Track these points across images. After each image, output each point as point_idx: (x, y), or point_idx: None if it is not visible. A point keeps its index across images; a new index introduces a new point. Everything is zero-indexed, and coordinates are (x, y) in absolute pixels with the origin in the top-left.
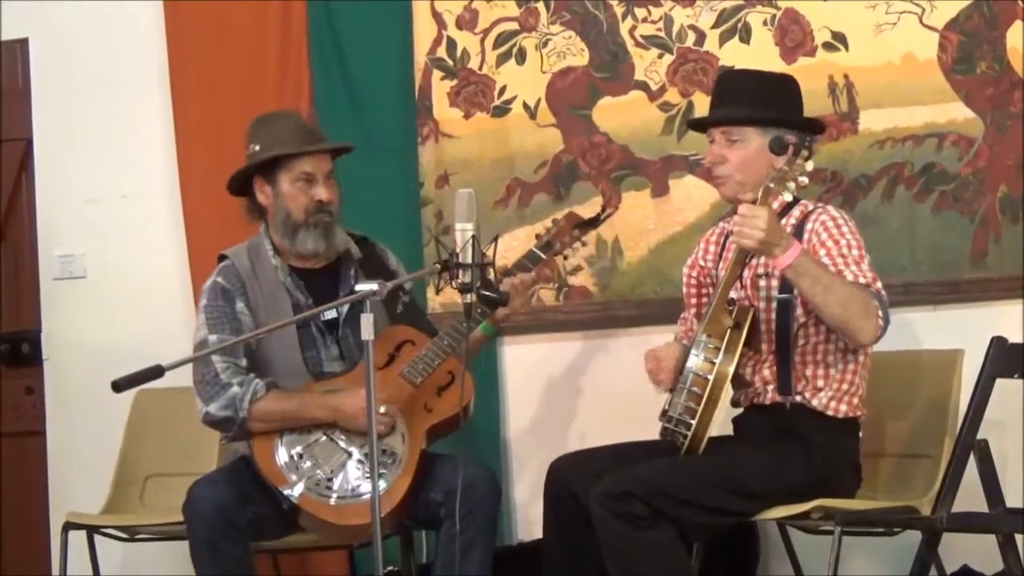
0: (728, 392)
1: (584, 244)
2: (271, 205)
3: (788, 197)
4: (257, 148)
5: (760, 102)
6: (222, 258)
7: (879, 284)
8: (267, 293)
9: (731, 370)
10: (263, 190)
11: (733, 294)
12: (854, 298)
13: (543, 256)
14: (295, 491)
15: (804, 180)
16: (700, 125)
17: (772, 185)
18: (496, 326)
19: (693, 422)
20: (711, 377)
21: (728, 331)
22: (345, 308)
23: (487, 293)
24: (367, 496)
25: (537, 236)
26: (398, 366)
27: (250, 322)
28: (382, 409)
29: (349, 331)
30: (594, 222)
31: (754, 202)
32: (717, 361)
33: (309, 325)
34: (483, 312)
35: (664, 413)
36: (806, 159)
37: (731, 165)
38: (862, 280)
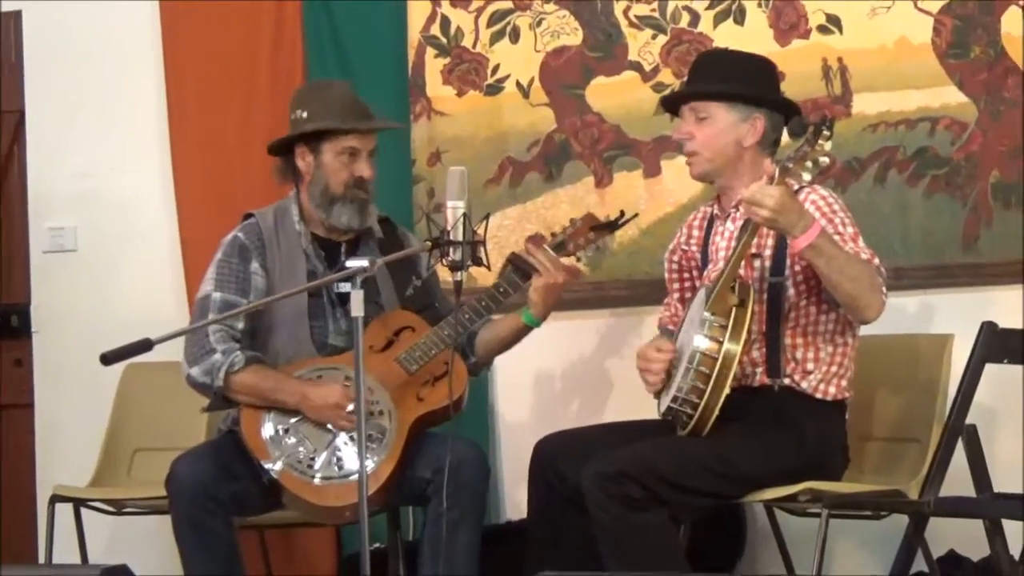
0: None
1: (599, 248)
2: (309, 174)
3: (807, 178)
4: (305, 115)
5: (728, 80)
6: (248, 216)
7: (877, 259)
8: (285, 256)
9: (739, 348)
10: (304, 157)
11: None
12: (863, 275)
13: (555, 256)
14: (276, 466)
15: (825, 161)
16: (671, 104)
17: (791, 165)
18: (539, 314)
19: (700, 402)
20: (719, 356)
21: (733, 309)
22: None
23: (516, 263)
24: (352, 477)
25: (552, 234)
26: (395, 351)
27: (263, 282)
28: (349, 408)
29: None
30: (612, 226)
31: (772, 178)
32: (724, 340)
33: (321, 295)
34: (505, 291)
35: (659, 391)
36: (827, 139)
37: (698, 142)
38: (863, 256)
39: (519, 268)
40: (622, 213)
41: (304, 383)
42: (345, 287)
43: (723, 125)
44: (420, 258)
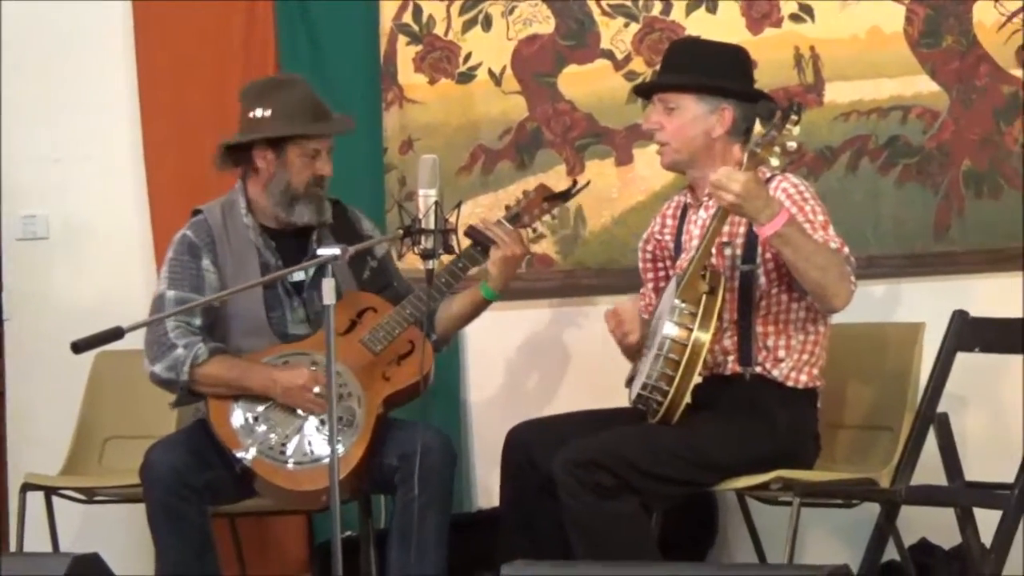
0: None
1: (554, 218)
2: (270, 171)
3: (776, 162)
4: (268, 114)
5: (699, 70)
6: (196, 212)
7: (846, 249)
8: (236, 251)
9: (708, 336)
10: (265, 156)
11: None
12: (831, 264)
13: (512, 228)
14: (248, 454)
15: (792, 145)
16: (644, 92)
17: (758, 150)
18: (497, 287)
19: (670, 389)
20: (688, 344)
21: (703, 296)
22: (312, 271)
23: (473, 233)
24: (324, 460)
25: (506, 207)
26: (359, 332)
27: (215, 279)
28: (316, 389)
29: (316, 294)
30: (565, 196)
31: (739, 165)
32: (694, 327)
33: (276, 286)
34: (464, 267)
35: (630, 380)
36: (795, 123)
37: (667, 133)
38: (832, 245)
39: (477, 242)
40: (575, 182)
41: (270, 367)
42: (300, 275)
43: (691, 116)
44: (373, 238)
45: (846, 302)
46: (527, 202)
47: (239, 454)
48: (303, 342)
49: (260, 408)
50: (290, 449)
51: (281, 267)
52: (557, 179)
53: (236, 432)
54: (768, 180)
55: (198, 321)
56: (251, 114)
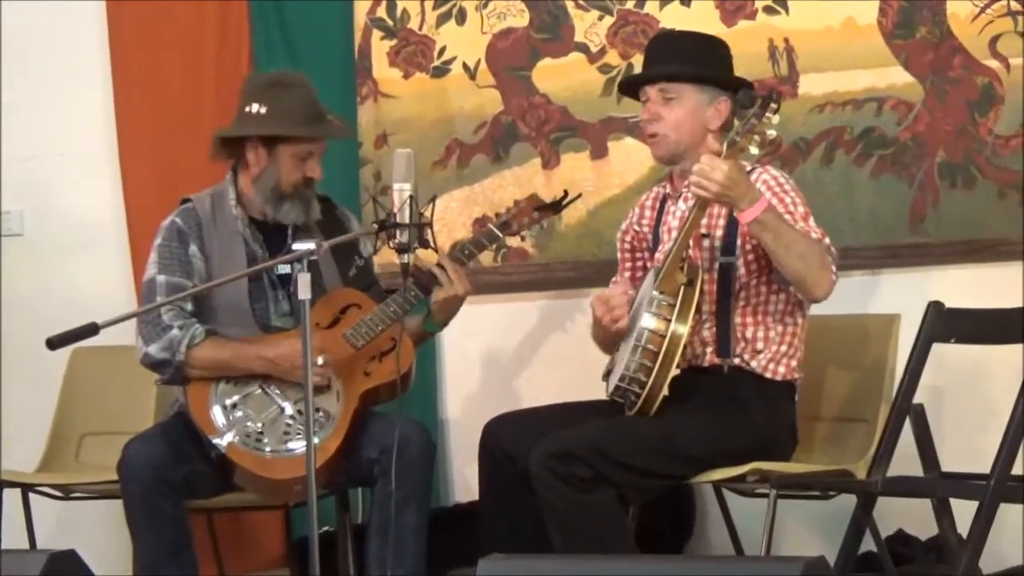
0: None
1: (543, 227)
2: (259, 167)
3: (755, 151)
4: (264, 111)
5: (696, 60)
6: (185, 200)
7: (827, 239)
8: (223, 240)
9: (687, 328)
10: (256, 151)
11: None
12: (812, 253)
13: (500, 235)
14: (223, 440)
15: (772, 134)
16: (633, 84)
17: (738, 139)
18: (439, 322)
19: (648, 381)
20: (666, 335)
21: (682, 288)
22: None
23: (415, 273)
24: (297, 451)
25: (496, 215)
26: (342, 328)
27: (202, 266)
28: (320, 360)
29: None
30: (556, 206)
31: (719, 154)
32: (672, 319)
33: (261, 278)
34: (416, 295)
35: (607, 374)
36: (775, 112)
37: (666, 123)
38: (813, 235)
39: (418, 282)
40: (566, 193)
41: (263, 346)
42: (286, 268)
43: (691, 106)
44: (361, 238)
45: (827, 292)
46: (517, 210)
47: (215, 440)
48: (285, 333)
49: (238, 396)
50: (266, 437)
51: (268, 259)
52: (532, 173)
53: (213, 419)
54: (748, 173)
55: (189, 306)
56: (247, 108)
